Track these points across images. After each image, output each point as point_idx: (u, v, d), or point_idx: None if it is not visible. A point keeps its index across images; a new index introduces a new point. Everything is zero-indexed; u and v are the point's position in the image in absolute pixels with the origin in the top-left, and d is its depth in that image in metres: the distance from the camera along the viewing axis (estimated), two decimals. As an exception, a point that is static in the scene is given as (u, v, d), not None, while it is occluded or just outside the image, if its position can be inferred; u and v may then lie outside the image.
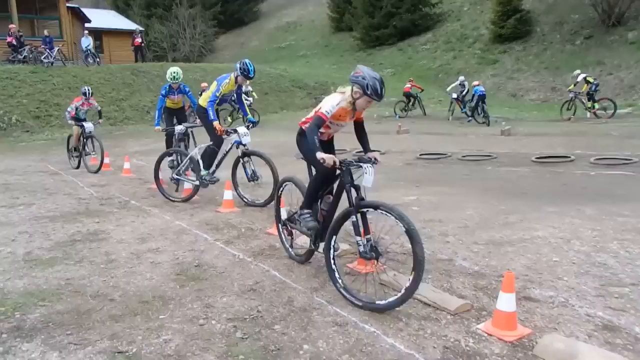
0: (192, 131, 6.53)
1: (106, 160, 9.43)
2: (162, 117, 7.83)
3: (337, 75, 28.19)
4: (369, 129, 3.83)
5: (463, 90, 17.26)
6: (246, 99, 13.62)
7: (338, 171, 3.45)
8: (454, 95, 17.47)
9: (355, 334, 2.92)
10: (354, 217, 3.30)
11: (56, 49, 20.43)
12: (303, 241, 4.20)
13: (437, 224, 5.13)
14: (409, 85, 18.96)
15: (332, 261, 3.46)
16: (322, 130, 3.66)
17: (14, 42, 20.11)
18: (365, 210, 3.32)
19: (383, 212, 3.16)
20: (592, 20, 23.57)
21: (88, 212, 6.09)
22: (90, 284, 3.72)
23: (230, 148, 6.24)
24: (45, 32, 21.03)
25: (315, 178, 3.74)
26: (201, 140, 6.49)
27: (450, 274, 3.80)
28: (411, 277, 3.05)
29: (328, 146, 3.91)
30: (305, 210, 3.77)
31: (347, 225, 3.43)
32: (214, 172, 6.39)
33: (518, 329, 2.89)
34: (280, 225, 4.33)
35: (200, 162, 6.35)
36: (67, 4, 24.46)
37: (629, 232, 4.60)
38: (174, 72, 7.65)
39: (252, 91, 17.62)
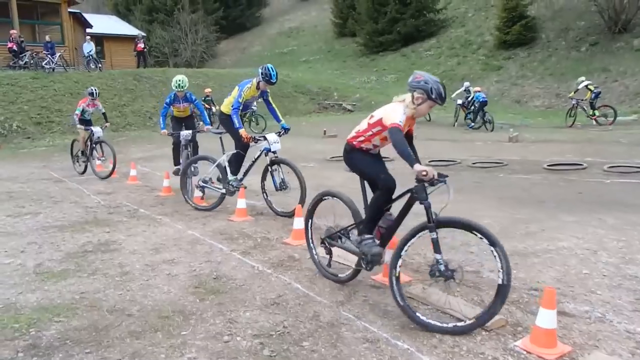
0: (221, 138, 6.38)
1: (113, 166, 9.27)
2: (166, 122, 7.68)
3: (340, 81, 28.19)
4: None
5: (468, 97, 17.17)
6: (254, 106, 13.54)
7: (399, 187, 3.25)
8: (459, 102, 17.40)
9: (389, 352, 2.80)
10: (434, 233, 3.13)
11: (58, 54, 20.35)
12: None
13: (458, 233, 4.98)
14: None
15: (394, 278, 3.17)
16: (378, 143, 3.50)
17: (15, 47, 20.02)
18: (447, 228, 3.17)
19: (474, 233, 3.06)
20: (597, 27, 23.52)
21: (97, 221, 5.95)
22: (106, 298, 3.59)
23: (259, 155, 6.03)
24: (47, 38, 20.97)
25: (377, 198, 3.43)
26: (229, 148, 6.35)
27: (479, 286, 3.68)
28: (491, 302, 2.98)
29: (377, 157, 3.69)
30: (367, 236, 3.46)
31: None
32: (241, 179, 6.25)
33: (558, 346, 2.77)
34: (310, 239, 4.01)
35: (228, 168, 6.24)
36: (69, 9, 24.39)
37: (655, 243, 4.49)
38: (179, 80, 7.40)
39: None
